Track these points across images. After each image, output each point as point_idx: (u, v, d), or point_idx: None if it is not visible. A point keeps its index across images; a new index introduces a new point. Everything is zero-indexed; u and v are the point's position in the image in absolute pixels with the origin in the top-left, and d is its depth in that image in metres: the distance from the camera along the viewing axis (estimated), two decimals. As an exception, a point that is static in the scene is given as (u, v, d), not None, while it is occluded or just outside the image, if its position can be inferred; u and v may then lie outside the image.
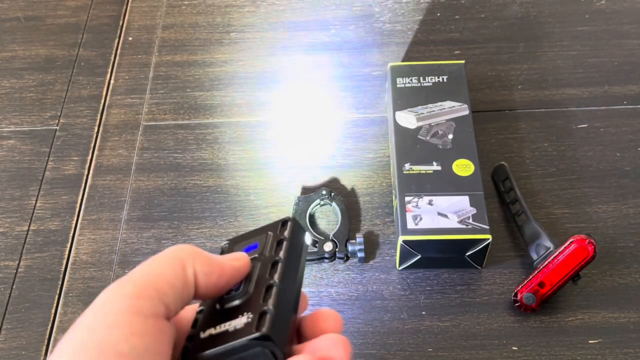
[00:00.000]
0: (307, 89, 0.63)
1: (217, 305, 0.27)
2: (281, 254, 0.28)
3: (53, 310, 0.51)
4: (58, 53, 0.68)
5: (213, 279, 0.26)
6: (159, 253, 0.26)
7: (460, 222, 0.48)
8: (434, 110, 0.54)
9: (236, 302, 0.27)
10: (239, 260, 0.28)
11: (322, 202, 0.54)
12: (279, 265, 0.28)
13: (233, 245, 0.31)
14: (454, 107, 0.54)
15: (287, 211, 0.54)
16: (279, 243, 0.29)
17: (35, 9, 0.72)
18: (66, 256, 0.54)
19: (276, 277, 0.27)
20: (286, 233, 0.29)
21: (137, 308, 0.23)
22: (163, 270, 0.25)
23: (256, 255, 0.29)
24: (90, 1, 0.72)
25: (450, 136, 0.53)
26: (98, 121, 0.62)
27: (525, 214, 0.51)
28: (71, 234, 0.55)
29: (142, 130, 0.61)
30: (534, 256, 0.49)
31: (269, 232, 0.30)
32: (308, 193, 0.55)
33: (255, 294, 0.27)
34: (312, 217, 0.54)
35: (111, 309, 0.23)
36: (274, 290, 0.26)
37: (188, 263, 0.25)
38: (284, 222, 0.30)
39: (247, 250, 0.29)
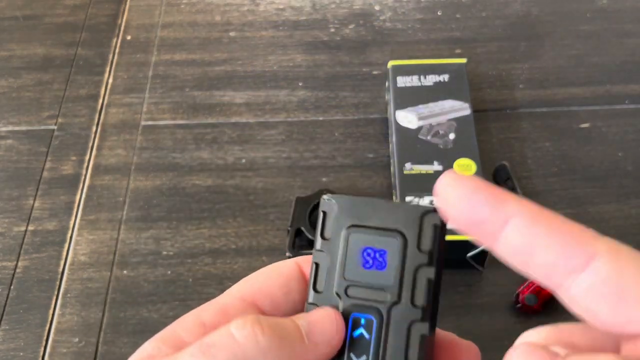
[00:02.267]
0: (306, 89, 0.63)
1: None
2: (427, 299, 0.21)
3: (51, 312, 0.50)
4: (56, 52, 0.67)
5: None
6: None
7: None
8: (434, 110, 0.54)
9: None
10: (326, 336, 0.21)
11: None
12: (424, 342, 0.20)
13: (340, 224, 0.22)
14: (455, 106, 0.54)
15: (287, 212, 0.54)
16: (423, 267, 0.21)
17: (33, 8, 0.71)
18: (64, 257, 0.53)
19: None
20: (432, 246, 0.21)
21: None
22: None
23: (387, 287, 0.21)
24: (88, 0, 0.72)
25: (451, 136, 0.52)
26: (96, 121, 0.62)
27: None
28: (69, 235, 0.54)
29: (140, 130, 0.61)
30: (536, 257, 0.48)
31: (404, 233, 0.21)
32: (307, 195, 0.54)
33: None
34: (311, 217, 0.54)
35: None
36: None
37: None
38: (425, 214, 0.21)
39: (366, 262, 0.21)
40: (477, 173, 0.50)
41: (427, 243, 0.21)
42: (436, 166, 0.51)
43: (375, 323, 0.21)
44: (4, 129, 0.62)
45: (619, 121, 0.58)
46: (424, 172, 0.50)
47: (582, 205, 0.53)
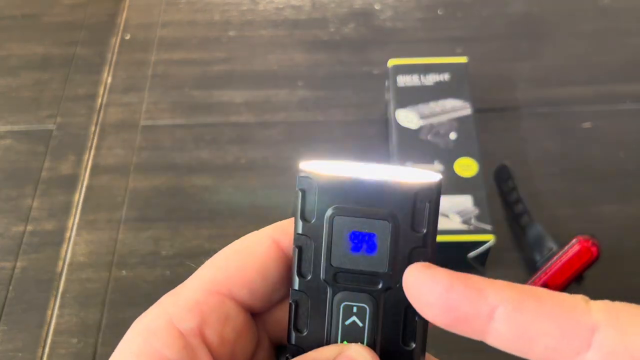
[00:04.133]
0: (306, 88, 0.62)
1: None
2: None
3: (49, 312, 0.50)
4: (55, 51, 0.67)
5: None
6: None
7: (462, 222, 0.47)
8: (435, 109, 0.54)
9: None
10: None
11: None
12: (421, 325, 0.20)
13: (322, 205, 0.20)
14: (455, 106, 0.54)
15: (287, 212, 0.53)
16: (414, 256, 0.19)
17: (31, 7, 0.71)
18: (63, 257, 0.53)
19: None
20: (427, 226, 0.19)
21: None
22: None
23: (376, 273, 0.20)
24: (87, -1, 0.71)
25: (452, 135, 0.52)
26: (95, 120, 0.61)
27: (528, 215, 0.50)
28: (68, 235, 0.54)
29: (139, 129, 0.60)
30: (537, 257, 0.48)
31: (396, 216, 0.19)
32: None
33: None
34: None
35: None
36: None
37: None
38: (419, 192, 0.19)
39: (355, 247, 0.20)
40: (478, 173, 0.50)
41: (421, 223, 0.19)
42: (437, 166, 0.50)
43: (368, 311, 0.20)
44: (2, 128, 0.61)
45: (621, 121, 0.58)
46: (425, 172, 0.50)
47: (584, 206, 0.53)
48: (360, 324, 0.20)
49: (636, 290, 0.49)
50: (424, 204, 0.19)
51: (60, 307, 0.50)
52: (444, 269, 0.18)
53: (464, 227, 0.47)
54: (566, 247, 0.46)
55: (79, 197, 0.56)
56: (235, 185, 0.56)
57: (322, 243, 0.20)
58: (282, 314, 0.22)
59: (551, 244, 0.48)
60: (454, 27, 0.66)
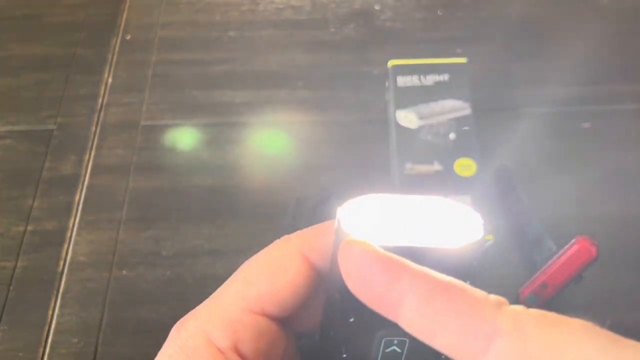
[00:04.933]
0: (306, 88, 0.62)
1: None
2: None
3: (50, 312, 0.50)
4: (55, 52, 0.67)
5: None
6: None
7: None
8: (435, 110, 0.54)
9: None
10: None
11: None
12: None
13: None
14: (455, 106, 0.54)
15: (287, 212, 0.53)
16: None
17: (32, 7, 0.71)
18: (63, 257, 0.53)
19: None
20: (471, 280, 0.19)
21: None
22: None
23: None
24: (88, -1, 0.72)
25: (452, 136, 0.52)
26: (96, 121, 0.61)
27: (528, 215, 0.50)
28: (68, 235, 0.54)
29: (140, 129, 0.60)
30: (536, 257, 0.48)
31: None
32: (306, 197, 0.54)
33: None
34: (312, 217, 0.54)
35: None
36: None
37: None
38: (467, 253, 0.19)
39: None
40: (477, 173, 0.50)
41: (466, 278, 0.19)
42: (436, 166, 0.50)
43: (407, 342, 0.20)
44: (2, 128, 0.62)
45: (620, 121, 0.58)
46: (424, 172, 0.50)
47: (583, 205, 0.53)
48: (399, 351, 0.20)
49: (635, 290, 0.49)
50: (469, 262, 0.19)
51: (61, 306, 0.50)
52: (380, 249, 0.18)
53: (463, 227, 0.47)
54: (565, 247, 0.46)
55: (79, 197, 0.56)
56: (236, 185, 0.56)
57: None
58: (307, 314, 0.23)
59: (551, 244, 0.48)
60: (454, 27, 0.66)
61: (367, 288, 0.18)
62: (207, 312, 0.22)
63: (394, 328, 0.19)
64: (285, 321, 0.23)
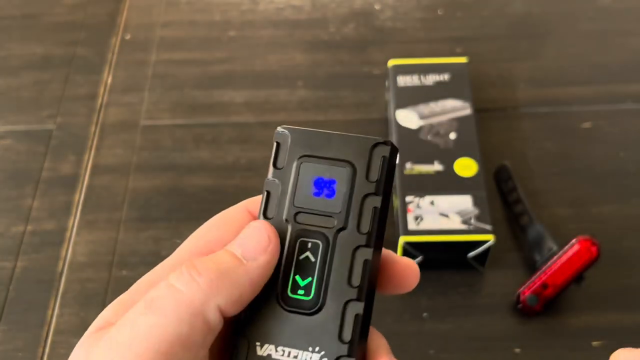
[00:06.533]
0: (306, 88, 0.62)
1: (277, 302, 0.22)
2: (372, 226, 0.21)
3: (50, 312, 0.50)
4: (55, 51, 0.67)
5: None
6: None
7: (462, 222, 0.47)
8: (435, 109, 0.54)
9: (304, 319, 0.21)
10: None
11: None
12: (367, 266, 0.21)
13: (292, 154, 0.23)
14: (455, 106, 0.54)
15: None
16: (368, 199, 0.22)
17: (32, 7, 0.71)
18: (63, 257, 0.53)
19: (361, 295, 0.21)
20: (379, 176, 0.22)
21: None
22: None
23: (330, 214, 0.22)
24: (87, -1, 0.72)
25: (452, 135, 0.52)
26: (95, 120, 0.61)
27: (528, 215, 0.50)
28: (68, 235, 0.54)
29: (140, 129, 0.60)
30: (537, 257, 0.48)
31: (354, 165, 0.22)
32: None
33: (330, 312, 0.21)
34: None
35: None
36: (359, 320, 0.21)
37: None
38: (375, 146, 0.23)
39: (317, 192, 0.22)
40: (478, 173, 0.50)
41: (375, 173, 0.22)
42: (437, 166, 0.50)
43: (321, 247, 0.22)
44: (2, 128, 0.61)
45: (621, 121, 0.58)
46: (425, 172, 0.50)
47: (584, 206, 0.53)
48: (313, 259, 0.22)
49: (636, 290, 0.49)
50: (379, 157, 0.22)
51: (61, 306, 0.50)
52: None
53: (464, 227, 0.47)
54: (566, 247, 0.46)
55: (79, 197, 0.56)
56: (236, 185, 0.56)
57: (288, 187, 0.23)
58: None
59: (551, 244, 0.48)
60: (454, 27, 0.66)
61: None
62: (161, 266, 0.23)
63: (306, 231, 0.22)
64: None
